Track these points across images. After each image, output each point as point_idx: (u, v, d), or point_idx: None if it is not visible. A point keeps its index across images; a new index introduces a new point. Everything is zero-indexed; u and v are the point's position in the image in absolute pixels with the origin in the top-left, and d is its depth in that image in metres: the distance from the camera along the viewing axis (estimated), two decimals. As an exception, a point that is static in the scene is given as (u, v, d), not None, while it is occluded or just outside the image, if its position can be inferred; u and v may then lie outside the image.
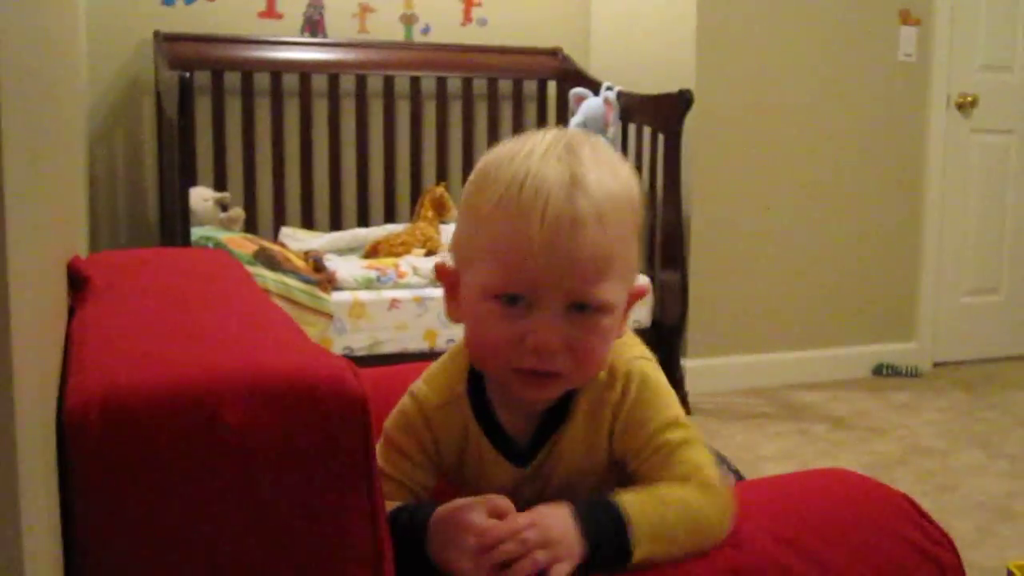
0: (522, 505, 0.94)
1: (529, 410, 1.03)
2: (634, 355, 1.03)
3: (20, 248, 0.59)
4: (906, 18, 3.99)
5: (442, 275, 1.04)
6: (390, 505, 0.95)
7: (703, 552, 0.95)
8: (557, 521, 0.90)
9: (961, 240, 4.27)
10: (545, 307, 0.92)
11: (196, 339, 0.84)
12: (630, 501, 0.93)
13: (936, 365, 4.19)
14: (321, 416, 0.74)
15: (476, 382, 1.05)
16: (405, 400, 1.06)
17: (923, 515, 1.08)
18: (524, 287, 0.92)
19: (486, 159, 0.99)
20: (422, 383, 1.06)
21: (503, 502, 0.93)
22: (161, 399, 0.72)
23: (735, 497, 0.99)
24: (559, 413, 1.02)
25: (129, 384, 0.73)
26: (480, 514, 0.91)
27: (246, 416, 0.72)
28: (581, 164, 0.93)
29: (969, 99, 4.17)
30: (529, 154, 0.94)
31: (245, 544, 0.73)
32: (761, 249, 3.81)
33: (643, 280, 0.92)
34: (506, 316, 0.93)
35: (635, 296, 1.02)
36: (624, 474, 1.03)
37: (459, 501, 0.93)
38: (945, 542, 1.06)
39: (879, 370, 4.02)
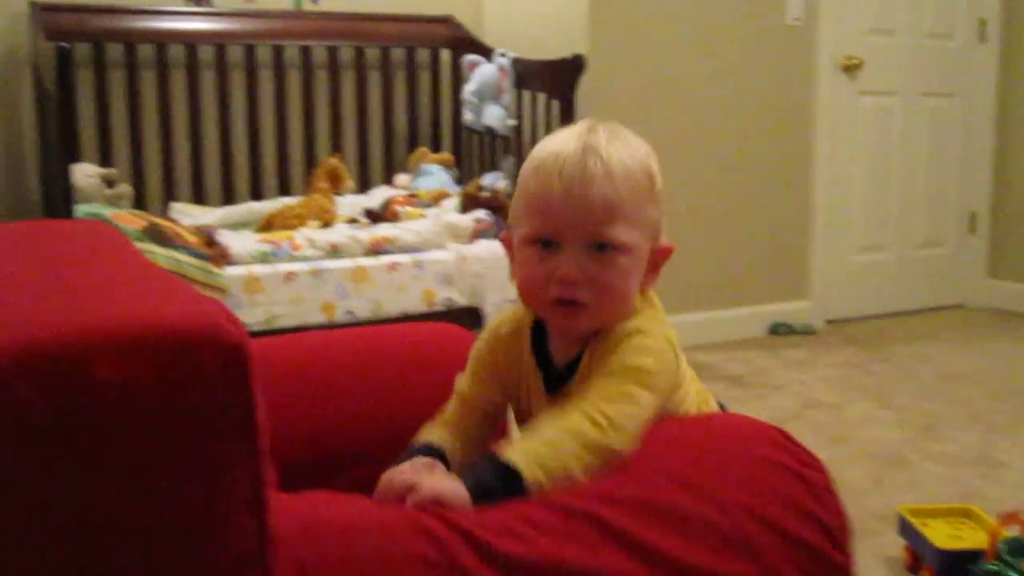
0: None
1: (577, 350, 1.21)
2: (655, 328, 1.20)
3: None
4: (793, -17, 4.05)
5: (505, 243, 1.26)
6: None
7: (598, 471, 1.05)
8: (451, 487, 0.98)
9: (849, 200, 4.38)
10: (569, 247, 1.14)
11: (67, 297, 0.80)
12: (519, 455, 1.03)
13: (829, 322, 4.30)
14: (197, 365, 0.71)
15: (540, 325, 1.26)
16: (483, 331, 1.33)
17: (793, 442, 1.15)
18: (551, 231, 1.15)
19: (533, 150, 1.22)
20: (499, 317, 1.32)
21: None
22: (30, 356, 0.69)
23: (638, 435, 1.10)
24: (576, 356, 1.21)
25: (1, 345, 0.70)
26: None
27: (120, 370, 0.69)
28: (596, 138, 1.17)
29: (855, 62, 4.26)
30: (557, 138, 1.19)
31: (124, 500, 0.71)
32: (657, 213, 3.84)
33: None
34: (541, 258, 1.16)
35: (661, 253, 1.23)
36: None
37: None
38: (814, 463, 1.12)
39: (775, 329, 4.11)
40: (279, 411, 1.42)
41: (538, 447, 1.04)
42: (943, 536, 1.99)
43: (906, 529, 2.05)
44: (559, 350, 1.24)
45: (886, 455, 2.70)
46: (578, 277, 1.14)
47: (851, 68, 4.26)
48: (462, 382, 1.31)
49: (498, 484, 1.00)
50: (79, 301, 0.79)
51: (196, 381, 0.71)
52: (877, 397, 3.24)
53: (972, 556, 1.91)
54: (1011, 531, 1.92)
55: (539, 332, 1.26)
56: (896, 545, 2.11)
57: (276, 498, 0.80)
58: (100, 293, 0.82)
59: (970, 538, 2.00)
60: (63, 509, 0.70)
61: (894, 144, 4.48)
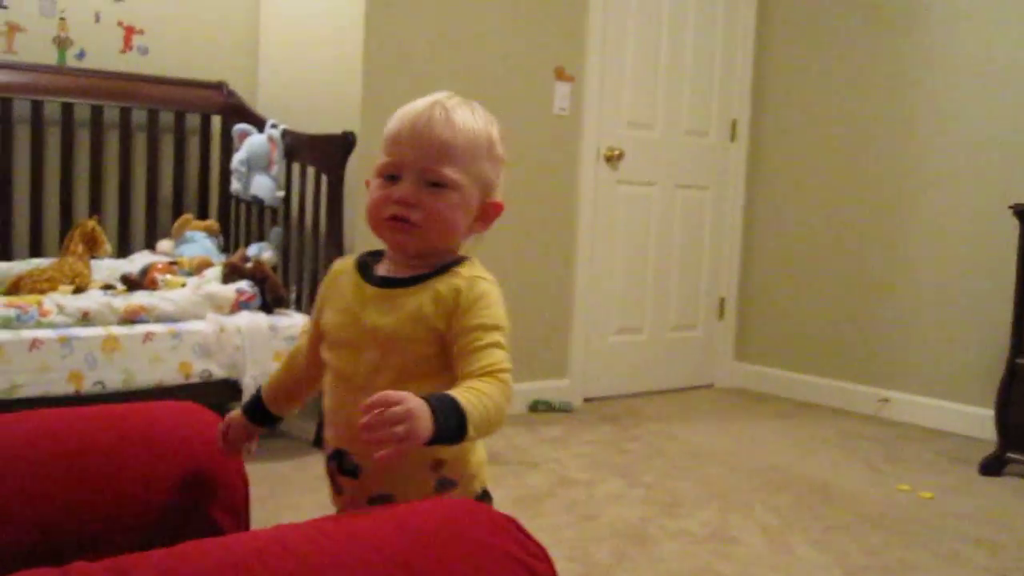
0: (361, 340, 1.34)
1: (404, 270, 1.37)
2: (487, 277, 1.39)
3: None
4: (561, 74, 4.25)
5: (368, 184, 1.40)
6: None
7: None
8: (418, 405, 1.13)
9: (609, 283, 4.58)
10: (408, 178, 1.33)
11: None
12: (467, 399, 1.20)
13: (586, 400, 4.46)
14: None
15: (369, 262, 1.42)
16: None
17: (523, 532, 1.19)
18: (394, 165, 1.34)
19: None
20: (337, 261, 1.49)
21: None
22: None
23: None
24: (420, 278, 1.36)
25: None
26: None
27: None
28: (447, 100, 1.37)
29: (616, 152, 4.49)
30: (415, 103, 1.37)
31: None
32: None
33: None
34: (386, 186, 1.34)
35: (493, 207, 1.43)
36: (440, 347, 1.33)
37: None
38: (540, 554, 1.16)
39: (535, 406, 4.22)
40: (2, 490, 1.36)
41: (480, 411, 1.21)
42: (674, 613, 2.09)
43: (641, 606, 2.14)
44: (387, 269, 1.40)
45: (631, 532, 2.81)
46: (411, 200, 1.32)
47: (612, 158, 4.49)
48: (311, 321, 1.50)
49: (455, 426, 1.17)
50: None
51: None
52: (626, 475, 3.37)
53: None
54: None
55: (365, 266, 1.42)
56: (633, 622, 2.20)
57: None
58: None
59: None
60: None
61: (651, 232, 4.73)
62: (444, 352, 1.33)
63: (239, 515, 1.54)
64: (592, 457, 3.59)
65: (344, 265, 1.46)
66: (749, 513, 3.04)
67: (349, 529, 1.08)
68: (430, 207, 1.33)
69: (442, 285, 1.35)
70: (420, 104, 1.36)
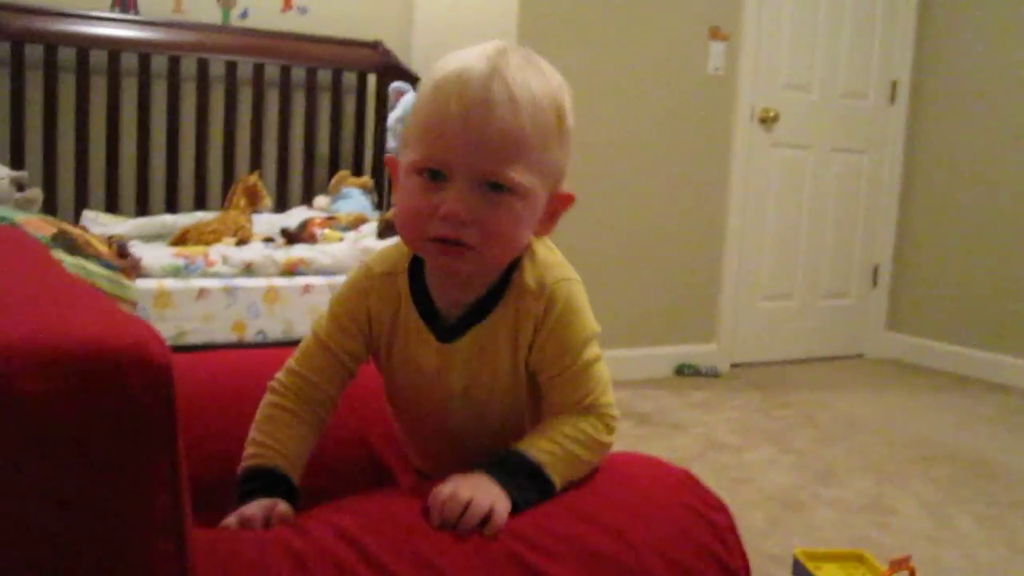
0: (447, 402, 1.15)
1: (461, 297, 1.13)
2: (563, 276, 1.14)
3: None
4: (715, 34, 4.16)
5: (390, 166, 1.14)
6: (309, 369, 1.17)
7: (597, 465, 1.12)
8: (492, 501, 0.99)
9: (760, 248, 4.49)
10: (459, 182, 1.01)
11: (-14, 307, 0.79)
12: (549, 457, 1.06)
13: (734, 366, 4.40)
14: (122, 385, 0.71)
15: (419, 264, 1.16)
16: (355, 269, 1.20)
17: (700, 485, 1.18)
18: (441, 162, 1.02)
19: (436, 65, 1.08)
20: (374, 255, 1.19)
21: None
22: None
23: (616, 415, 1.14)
24: (487, 305, 1.12)
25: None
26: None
27: (42, 385, 0.68)
28: (506, 62, 1.04)
29: (771, 114, 4.38)
30: (463, 55, 1.06)
31: (40, 518, 0.70)
32: (571, 252, 3.88)
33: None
34: (427, 189, 1.03)
35: (560, 201, 1.12)
36: (534, 386, 1.15)
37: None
38: (719, 506, 1.15)
39: (681, 370, 4.18)
40: (187, 428, 1.41)
41: (561, 457, 1.07)
42: (835, 580, 2.05)
43: (800, 572, 2.10)
44: (443, 293, 1.15)
45: (783, 499, 2.76)
46: (466, 216, 1.02)
47: (767, 120, 4.38)
48: (322, 325, 1.20)
49: (535, 496, 1.04)
50: (1, 312, 0.78)
51: (120, 401, 0.71)
52: (777, 441, 3.32)
53: (861, 601, 1.96)
54: (899, 578, 1.98)
55: (417, 272, 1.16)
56: (790, 587, 2.17)
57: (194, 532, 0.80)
58: (22, 305, 0.81)
59: (860, 583, 2.06)
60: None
61: (804, 196, 4.61)
62: (532, 381, 1.16)
63: (406, 459, 1.56)
64: (741, 422, 3.54)
65: (384, 269, 1.17)
66: (906, 485, 2.95)
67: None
68: (490, 222, 1.03)
69: (515, 308, 1.12)
70: (472, 74, 1.02)
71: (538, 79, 1.06)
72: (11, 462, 0.69)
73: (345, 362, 1.19)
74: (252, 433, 1.16)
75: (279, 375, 1.19)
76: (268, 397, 1.18)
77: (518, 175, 1.03)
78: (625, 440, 3.21)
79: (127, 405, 0.71)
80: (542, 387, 1.14)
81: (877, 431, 3.53)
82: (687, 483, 1.19)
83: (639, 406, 3.65)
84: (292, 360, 1.20)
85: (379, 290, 1.16)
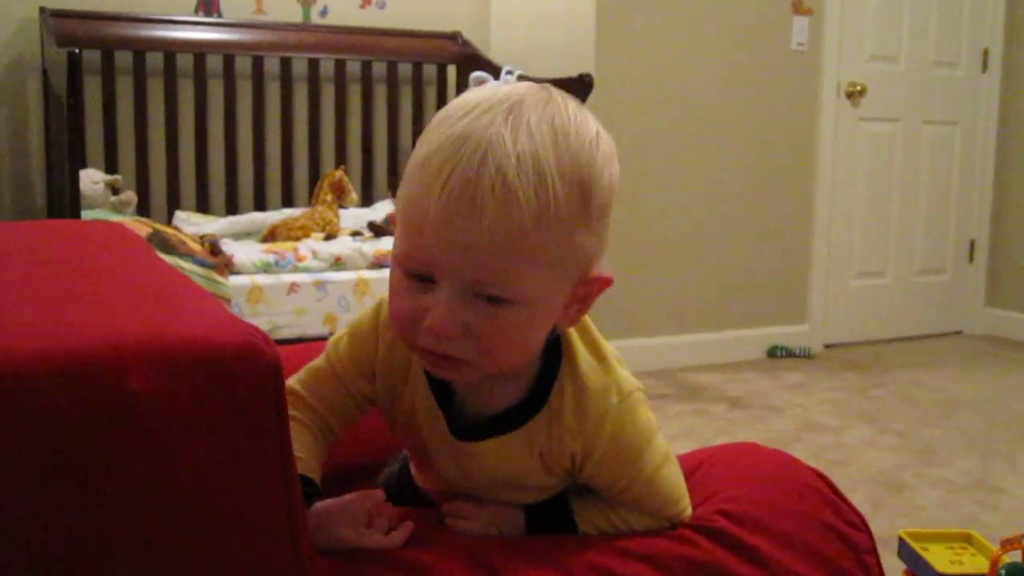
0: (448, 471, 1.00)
1: (485, 401, 0.96)
2: (607, 405, 0.94)
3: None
4: (799, 8, 4.08)
5: (394, 223, 1.01)
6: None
7: None
8: (507, 521, 0.97)
9: (850, 225, 4.40)
10: (446, 288, 0.83)
11: (97, 305, 0.80)
12: (591, 522, 0.99)
13: (827, 347, 4.32)
14: (232, 384, 0.71)
15: None
16: (368, 307, 1.02)
17: (837, 494, 1.10)
18: (422, 264, 0.83)
19: (440, 111, 0.87)
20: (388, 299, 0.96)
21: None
22: (64, 366, 0.69)
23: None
24: (515, 417, 0.95)
25: (28, 350, 0.70)
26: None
27: (154, 384, 0.69)
28: (515, 129, 0.80)
29: (858, 88, 4.29)
30: (469, 112, 0.82)
31: (151, 517, 0.70)
32: (658, 234, 3.86)
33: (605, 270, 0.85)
34: (410, 289, 0.85)
35: (594, 285, 0.90)
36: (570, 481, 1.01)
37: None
38: (859, 523, 1.07)
39: (773, 352, 4.12)
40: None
41: (607, 526, 1.00)
42: (944, 561, 2.00)
43: (907, 553, 2.05)
44: (463, 387, 0.97)
45: (885, 480, 2.71)
46: (453, 331, 0.83)
47: (854, 94, 4.28)
48: (340, 350, 1.02)
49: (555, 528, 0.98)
50: (111, 308, 0.79)
51: (230, 399, 0.71)
52: (876, 422, 3.25)
53: (972, 583, 1.91)
54: (1011, 557, 1.92)
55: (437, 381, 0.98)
56: (896, 570, 2.11)
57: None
58: (132, 302, 0.82)
59: (971, 563, 2.00)
60: (88, 518, 0.70)
61: (895, 170, 4.50)
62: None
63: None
64: (837, 403, 3.47)
65: (392, 345, 0.99)
66: (1013, 464, 2.86)
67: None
68: (486, 337, 0.84)
69: (543, 438, 0.95)
70: (467, 149, 0.80)
71: (554, 148, 0.82)
72: (123, 460, 0.69)
73: (359, 401, 1.03)
74: None
75: (289, 382, 1.02)
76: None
77: (519, 282, 0.82)
78: (719, 423, 3.17)
79: (237, 404, 0.71)
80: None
81: (979, 409, 3.43)
82: (823, 492, 1.10)
83: (731, 389, 3.60)
84: (297, 379, 1.03)
85: (391, 347, 0.98)
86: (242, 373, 0.72)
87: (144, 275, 0.97)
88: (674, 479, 1.00)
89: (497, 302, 0.82)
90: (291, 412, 0.93)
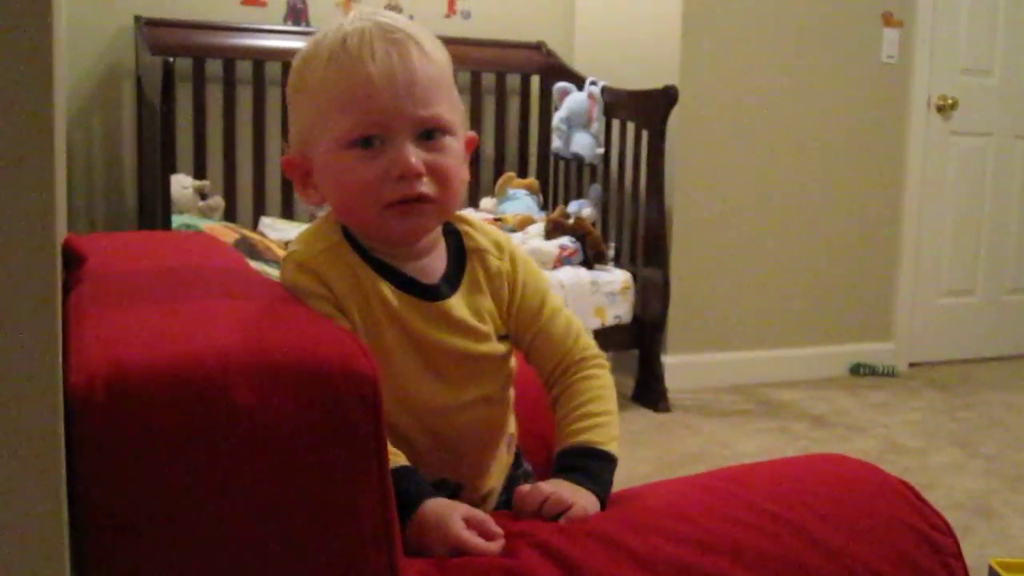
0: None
1: (422, 269, 1.08)
2: (502, 233, 1.16)
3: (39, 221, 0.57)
4: (889, 20, 4.01)
5: (291, 167, 1.08)
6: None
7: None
8: (588, 500, 1.01)
9: (938, 242, 4.30)
10: (398, 139, 0.99)
11: (201, 316, 0.82)
12: (606, 435, 1.09)
13: (912, 365, 4.22)
14: (332, 397, 0.72)
15: (351, 240, 1.06)
16: (282, 269, 1.05)
17: (921, 500, 1.10)
18: (375, 124, 0.99)
19: (300, 54, 1.06)
20: (293, 245, 1.07)
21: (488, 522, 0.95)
22: (170, 377, 0.70)
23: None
24: (455, 270, 1.10)
25: (135, 361, 0.72)
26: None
27: (257, 396, 0.70)
28: (384, 19, 1.02)
29: (949, 102, 4.19)
30: (339, 27, 1.02)
31: (254, 525, 0.72)
32: (742, 248, 3.82)
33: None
34: (366, 158, 0.99)
35: (470, 142, 1.10)
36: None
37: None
38: (943, 526, 1.07)
39: (856, 369, 4.04)
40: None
41: (611, 426, 1.10)
42: (1036, 593, 1.94)
43: (997, 584, 2.00)
44: (405, 261, 1.07)
45: (973, 505, 2.64)
46: (420, 168, 0.99)
47: (944, 108, 4.19)
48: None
49: (609, 477, 1.07)
50: (215, 321, 0.81)
51: (330, 411, 0.72)
52: (963, 444, 3.17)
53: (1066, 616, 1.85)
54: (1109, 593, 1.86)
55: (381, 266, 1.07)
56: (985, 600, 2.06)
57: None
58: (234, 313, 0.84)
59: (1064, 597, 1.94)
60: (190, 529, 0.71)
61: (986, 186, 4.39)
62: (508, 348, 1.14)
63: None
64: (923, 424, 3.39)
65: (334, 253, 1.04)
66: (1109, 492, 2.77)
67: (742, 492, 1.04)
68: (440, 169, 1.01)
69: (482, 269, 1.11)
70: (364, 37, 0.99)
71: (416, 25, 1.05)
72: (227, 471, 0.71)
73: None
74: None
75: None
76: None
77: (446, 114, 1.02)
78: (800, 442, 3.12)
79: (337, 416, 0.72)
80: (529, 349, 1.14)
81: (1072, 434, 3.33)
82: (907, 496, 1.11)
83: (813, 407, 3.54)
84: None
85: (326, 268, 1.03)
86: (342, 386, 0.74)
87: (242, 287, 0.98)
88: (577, 321, 1.17)
89: (435, 136, 1.01)
90: None
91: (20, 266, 0.61)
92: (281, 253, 3.11)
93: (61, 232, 1.29)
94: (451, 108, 1.03)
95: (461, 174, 1.05)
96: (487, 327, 1.09)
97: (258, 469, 0.71)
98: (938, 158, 4.23)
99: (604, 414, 1.10)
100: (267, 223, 3.70)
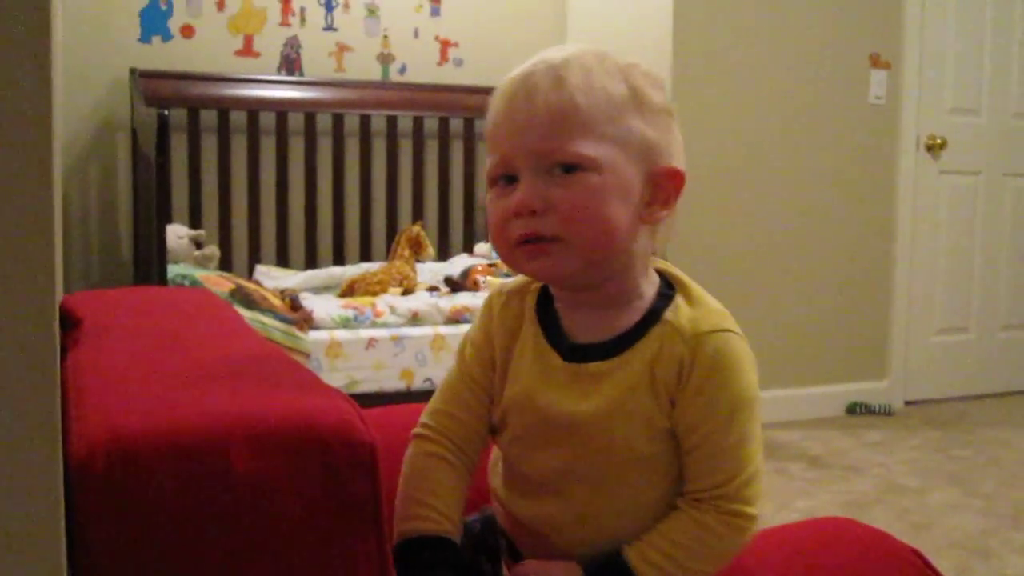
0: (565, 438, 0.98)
1: (596, 329, 0.99)
2: (722, 326, 0.97)
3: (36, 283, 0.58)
4: (876, 62, 4.05)
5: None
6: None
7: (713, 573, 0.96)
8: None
9: (931, 280, 4.32)
10: (526, 174, 0.93)
11: (198, 382, 0.83)
12: (646, 559, 0.95)
13: (908, 404, 4.23)
14: (330, 464, 0.73)
15: (549, 294, 1.04)
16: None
17: (931, 568, 1.08)
18: (504, 161, 0.94)
19: None
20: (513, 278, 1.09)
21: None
22: (169, 445, 0.71)
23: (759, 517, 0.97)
24: (626, 342, 0.98)
25: (135, 429, 0.73)
26: None
27: (255, 463, 0.71)
28: (557, 53, 0.96)
29: (938, 141, 4.23)
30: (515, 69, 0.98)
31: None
32: (735, 288, 3.83)
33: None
34: (501, 196, 0.95)
35: (665, 177, 0.97)
36: (668, 444, 0.98)
37: None
38: None
39: (852, 409, 4.05)
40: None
41: (666, 559, 0.95)
42: (1036, 635, 1.94)
43: (996, 626, 2.00)
44: (576, 320, 1.01)
45: (971, 545, 2.64)
46: (535, 204, 0.92)
47: (933, 147, 4.23)
48: (465, 350, 1.08)
49: None
50: (211, 386, 0.82)
51: (327, 478, 0.73)
52: (960, 484, 3.17)
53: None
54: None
55: (547, 300, 1.04)
56: (985, 642, 2.06)
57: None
58: (230, 375, 0.85)
59: (1064, 639, 1.94)
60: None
61: (977, 224, 4.42)
62: (673, 449, 0.98)
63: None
64: (920, 463, 3.39)
65: (518, 297, 1.05)
66: (1107, 530, 2.77)
67: (750, 565, 1.03)
68: (565, 204, 0.92)
69: (658, 345, 0.96)
70: (517, 71, 0.97)
71: (597, 60, 0.96)
72: (226, 538, 0.71)
73: (487, 387, 1.05)
74: (406, 490, 1.01)
75: (423, 418, 1.06)
76: (416, 446, 1.04)
77: (582, 148, 0.92)
78: (797, 483, 3.12)
79: (334, 482, 0.73)
80: (682, 456, 0.97)
81: (1069, 471, 3.33)
82: (917, 565, 1.07)
83: (810, 447, 3.55)
84: (434, 399, 1.07)
85: (504, 308, 1.04)
86: (340, 454, 0.75)
87: (237, 346, 0.99)
88: (756, 463, 0.96)
89: (569, 171, 0.92)
90: (430, 450, 1.02)
91: (19, 337, 0.62)
92: (276, 302, 3.13)
93: (58, 294, 1.30)
94: (594, 142, 0.92)
95: (603, 210, 0.92)
96: (638, 406, 0.96)
97: (257, 536, 0.72)
98: (929, 197, 4.26)
99: (673, 555, 0.95)
100: (262, 271, 3.71)
